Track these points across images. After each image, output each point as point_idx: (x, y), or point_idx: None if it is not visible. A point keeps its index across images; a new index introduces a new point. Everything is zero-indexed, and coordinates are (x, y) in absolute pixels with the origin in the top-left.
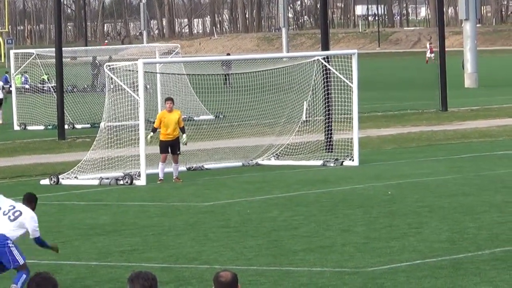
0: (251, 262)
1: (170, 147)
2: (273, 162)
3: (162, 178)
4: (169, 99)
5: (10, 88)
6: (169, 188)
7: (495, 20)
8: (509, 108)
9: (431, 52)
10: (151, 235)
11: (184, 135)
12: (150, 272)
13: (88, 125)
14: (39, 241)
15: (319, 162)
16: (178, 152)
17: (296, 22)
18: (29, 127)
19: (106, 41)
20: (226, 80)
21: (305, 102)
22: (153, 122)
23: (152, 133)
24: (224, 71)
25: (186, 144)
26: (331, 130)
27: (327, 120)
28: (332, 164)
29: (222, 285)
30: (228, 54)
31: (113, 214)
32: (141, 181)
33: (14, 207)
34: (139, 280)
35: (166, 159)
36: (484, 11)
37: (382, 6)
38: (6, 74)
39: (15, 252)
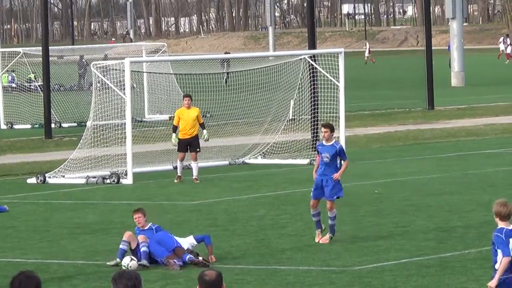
0: (238, 261)
1: (189, 145)
2: (260, 160)
3: (180, 175)
4: (187, 95)
5: None
6: (155, 187)
7: (482, 19)
8: (496, 107)
9: (369, 52)
10: None
11: (205, 131)
12: (133, 271)
13: (75, 124)
14: None
15: (306, 161)
16: (198, 150)
17: (282, 21)
18: (15, 126)
19: (113, 39)
20: (226, 78)
21: (291, 101)
22: (140, 121)
23: (174, 134)
24: (223, 69)
25: (207, 140)
26: (317, 128)
27: (313, 119)
28: None
29: (207, 283)
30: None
31: (100, 213)
32: (127, 180)
33: None
34: (122, 279)
35: (184, 157)
36: (471, 10)
37: (369, 4)
38: None
39: None
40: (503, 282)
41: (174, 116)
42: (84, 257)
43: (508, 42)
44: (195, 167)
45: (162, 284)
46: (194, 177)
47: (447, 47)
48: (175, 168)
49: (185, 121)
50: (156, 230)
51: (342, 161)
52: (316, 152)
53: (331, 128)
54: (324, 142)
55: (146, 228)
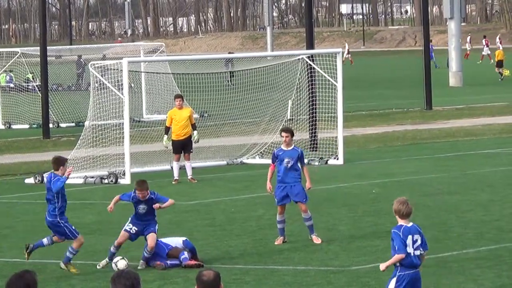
0: (236, 261)
1: (183, 146)
2: (258, 160)
3: (177, 178)
4: (179, 96)
5: None
6: (153, 187)
7: (480, 19)
8: (494, 107)
9: (348, 53)
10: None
11: (195, 132)
12: (132, 271)
13: (73, 124)
14: None
15: (304, 161)
16: (191, 151)
17: (280, 21)
18: (13, 126)
19: (120, 39)
20: (231, 77)
21: (289, 101)
22: (138, 121)
23: (166, 136)
24: (227, 68)
25: (198, 141)
26: (315, 128)
27: (311, 119)
28: (316, 163)
29: (204, 284)
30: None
31: (98, 213)
32: (125, 180)
33: None
34: (121, 279)
35: (180, 158)
36: (469, 9)
37: (367, 4)
38: None
39: None
40: (410, 278)
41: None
42: (82, 257)
43: (484, 43)
44: (189, 167)
45: (160, 284)
46: (189, 177)
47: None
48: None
49: (178, 122)
50: (156, 197)
51: (301, 166)
52: (272, 159)
53: (292, 133)
54: (284, 148)
55: (147, 197)
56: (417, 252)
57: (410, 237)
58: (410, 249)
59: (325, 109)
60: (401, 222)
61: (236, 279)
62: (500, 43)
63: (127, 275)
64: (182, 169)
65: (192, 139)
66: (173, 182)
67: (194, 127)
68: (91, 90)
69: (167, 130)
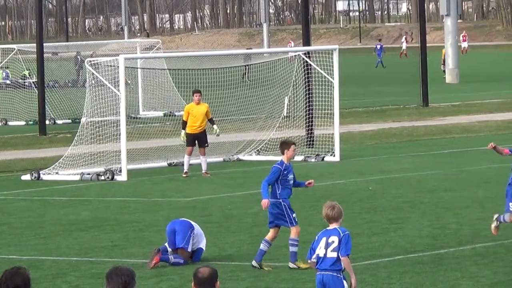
0: (233, 258)
1: (197, 140)
2: (254, 157)
3: (187, 171)
4: (197, 91)
5: None
6: (150, 183)
7: (476, 16)
8: (490, 104)
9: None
10: (132, 230)
11: (215, 126)
12: (126, 267)
13: (69, 121)
14: None
15: (300, 158)
16: (206, 145)
17: (277, 17)
18: (10, 123)
19: (138, 34)
20: (245, 72)
21: (286, 98)
22: (134, 118)
23: (183, 131)
24: (245, 62)
25: (219, 135)
26: (312, 125)
27: (308, 116)
28: (313, 160)
29: (200, 280)
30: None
31: (94, 209)
32: (122, 177)
33: None
34: (114, 276)
35: (192, 152)
36: (465, 6)
37: (363, 1)
38: None
39: None
40: (318, 280)
41: (166, 113)
42: (79, 254)
43: (404, 39)
44: (204, 161)
45: (156, 281)
46: (203, 171)
47: (376, 47)
48: (170, 165)
49: (195, 117)
50: None
51: None
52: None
53: None
54: None
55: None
56: (333, 254)
57: (324, 239)
58: (320, 251)
59: (322, 106)
60: (330, 226)
61: (232, 276)
62: (464, 40)
63: (121, 272)
64: (178, 165)
65: (214, 133)
66: (183, 175)
67: (212, 121)
68: (87, 87)
69: (184, 124)
